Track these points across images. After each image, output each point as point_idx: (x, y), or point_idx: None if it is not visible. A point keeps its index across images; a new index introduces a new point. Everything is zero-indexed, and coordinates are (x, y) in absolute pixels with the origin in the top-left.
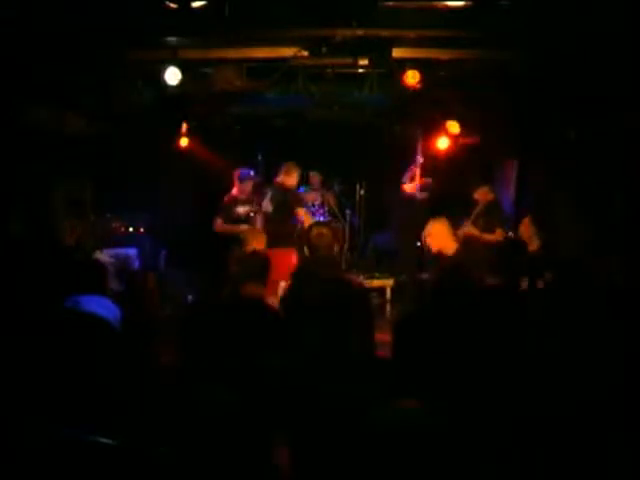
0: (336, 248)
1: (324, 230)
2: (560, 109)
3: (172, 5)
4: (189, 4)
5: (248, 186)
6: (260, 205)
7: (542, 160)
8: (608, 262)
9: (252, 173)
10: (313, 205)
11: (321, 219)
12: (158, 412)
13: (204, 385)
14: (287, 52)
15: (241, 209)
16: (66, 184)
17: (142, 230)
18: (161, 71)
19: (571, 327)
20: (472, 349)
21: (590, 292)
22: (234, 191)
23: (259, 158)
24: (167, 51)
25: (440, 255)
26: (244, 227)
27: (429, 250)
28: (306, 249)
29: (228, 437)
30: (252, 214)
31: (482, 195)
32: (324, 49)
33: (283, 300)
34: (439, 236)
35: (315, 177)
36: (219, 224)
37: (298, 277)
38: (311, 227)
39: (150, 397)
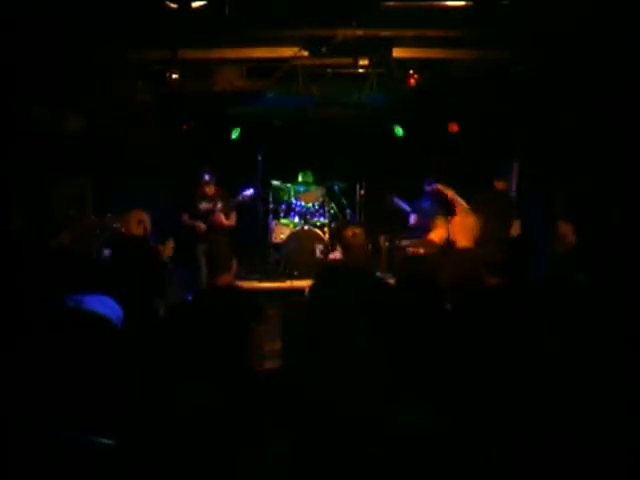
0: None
1: (357, 230)
2: (560, 109)
3: (172, 5)
4: (189, 4)
5: (205, 187)
6: (224, 202)
7: (542, 160)
8: (606, 262)
9: (206, 176)
10: (313, 205)
11: (321, 219)
12: (155, 412)
13: (190, 385)
14: (287, 52)
15: (204, 205)
16: (66, 184)
17: None
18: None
19: (566, 327)
20: (465, 350)
21: (587, 292)
22: (203, 188)
23: (259, 158)
24: (167, 51)
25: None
26: (200, 225)
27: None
28: (339, 248)
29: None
30: (213, 212)
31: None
32: (324, 49)
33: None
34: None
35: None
36: (185, 218)
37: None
38: (345, 227)
39: (150, 397)
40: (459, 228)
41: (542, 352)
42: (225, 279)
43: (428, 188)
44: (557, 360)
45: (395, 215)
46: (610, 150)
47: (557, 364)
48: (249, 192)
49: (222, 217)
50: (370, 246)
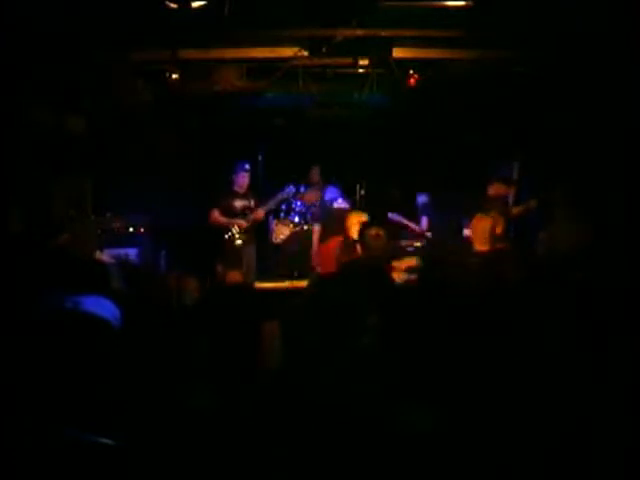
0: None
1: (381, 232)
2: (560, 108)
3: (172, 5)
4: (189, 4)
5: (243, 179)
6: (257, 200)
7: (542, 160)
8: (607, 262)
9: (247, 166)
10: (313, 205)
11: None
12: (156, 412)
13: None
14: (287, 52)
15: (238, 203)
16: (66, 184)
17: (142, 230)
18: None
19: (565, 327)
20: (467, 348)
21: (587, 292)
22: (232, 185)
23: (259, 158)
24: (167, 51)
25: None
26: (239, 222)
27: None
28: (359, 247)
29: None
30: (248, 210)
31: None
32: (324, 49)
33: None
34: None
35: (315, 172)
36: (216, 215)
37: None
38: (368, 226)
39: (150, 398)
40: (474, 231)
41: (546, 355)
42: (234, 276)
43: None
44: (561, 363)
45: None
46: (611, 150)
47: (561, 367)
48: (291, 189)
49: (261, 213)
50: (391, 249)
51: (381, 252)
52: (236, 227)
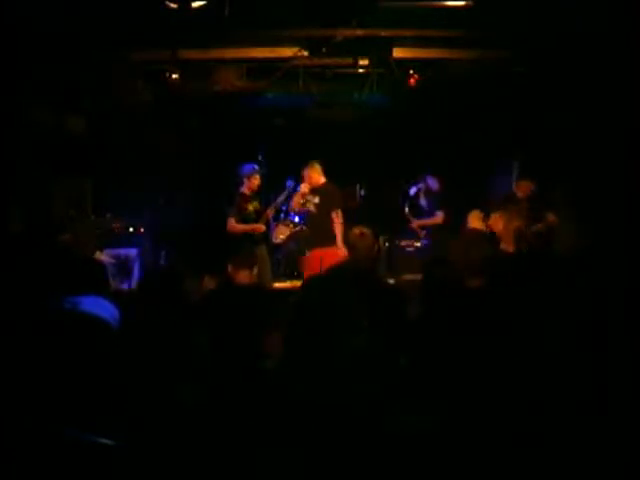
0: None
1: (365, 230)
2: (560, 108)
3: (172, 5)
4: (189, 4)
5: (256, 181)
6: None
7: (542, 160)
8: (607, 262)
9: (256, 167)
10: None
11: None
12: (155, 412)
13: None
14: (287, 52)
15: (250, 207)
16: (66, 184)
17: (142, 230)
18: None
19: (565, 327)
20: (464, 350)
21: (587, 292)
22: (243, 188)
23: (259, 158)
24: (167, 51)
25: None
26: (257, 226)
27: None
28: (345, 248)
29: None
30: (259, 212)
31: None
32: (324, 49)
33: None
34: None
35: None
36: (232, 224)
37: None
38: (352, 226)
39: (148, 397)
40: (505, 228)
41: (546, 355)
42: (243, 276)
43: (432, 185)
44: (562, 363)
45: (395, 215)
46: (610, 150)
47: (561, 367)
48: (291, 183)
49: (271, 212)
50: (377, 248)
51: (367, 251)
52: (256, 232)
